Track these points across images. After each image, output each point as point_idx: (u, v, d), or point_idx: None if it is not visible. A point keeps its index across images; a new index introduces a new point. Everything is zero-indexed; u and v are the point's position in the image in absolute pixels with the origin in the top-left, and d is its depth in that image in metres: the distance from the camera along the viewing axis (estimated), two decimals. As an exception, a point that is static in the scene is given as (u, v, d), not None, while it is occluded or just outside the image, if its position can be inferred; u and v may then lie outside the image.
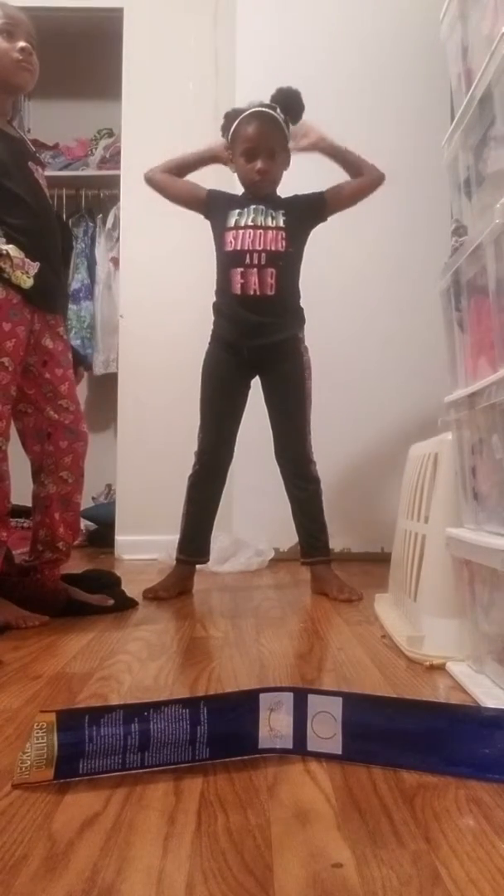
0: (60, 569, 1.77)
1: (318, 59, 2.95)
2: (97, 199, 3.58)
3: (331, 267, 2.98)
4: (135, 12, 3.11)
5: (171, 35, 3.10)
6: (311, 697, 0.85)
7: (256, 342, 2.05)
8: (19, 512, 2.25)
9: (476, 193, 1.23)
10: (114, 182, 3.17)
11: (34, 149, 1.74)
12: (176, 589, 2.02)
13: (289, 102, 2.07)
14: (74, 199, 3.60)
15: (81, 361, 1.84)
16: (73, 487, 1.72)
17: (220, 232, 2.08)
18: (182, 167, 2.10)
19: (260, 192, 2.08)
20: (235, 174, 2.12)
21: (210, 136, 2.19)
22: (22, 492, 1.75)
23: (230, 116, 2.10)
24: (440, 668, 1.23)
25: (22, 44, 1.61)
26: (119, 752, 0.79)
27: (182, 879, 0.59)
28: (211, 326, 2.13)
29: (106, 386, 3.43)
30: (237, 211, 2.07)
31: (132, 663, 1.28)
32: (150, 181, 2.11)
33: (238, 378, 2.12)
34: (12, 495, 1.62)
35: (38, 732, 0.79)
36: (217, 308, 2.12)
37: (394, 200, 2.98)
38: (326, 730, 0.84)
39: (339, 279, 2.98)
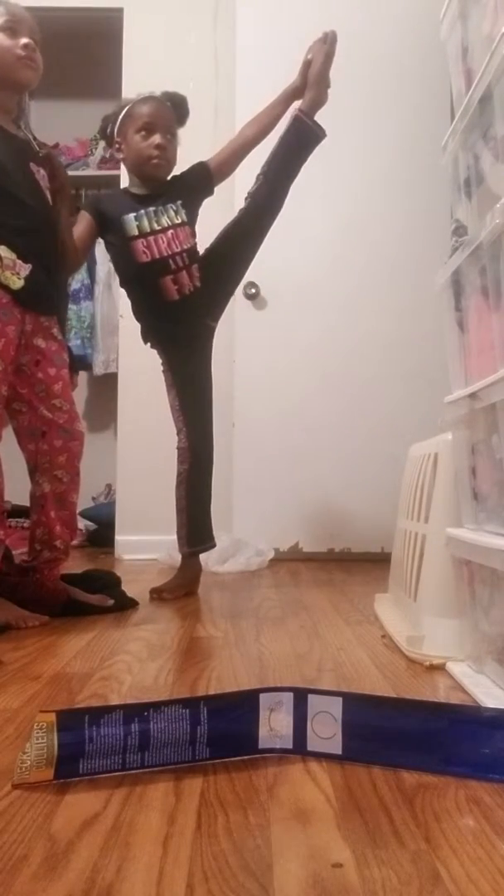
0: (60, 568, 1.77)
1: (318, 59, 2.95)
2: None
3: (331, 267, 2.99)
4: (135, 12, 3.12)
5: (171, 35, 3.11)
6: (311, 697, 0.85)
7: (204, 324, 2.07)
8: (19, 512, 2.25)
9: (476, 193, 1.23)
10: (114, 182, 3.16)
11: (38, 149, 1.73)
12: (182, 591, 2.02)
13: (175, 104, 2.03)
14: (74, 200, 3.59)
15: (77, 368, 1.82)
16: (68, 486, 1.72)
17: (123, 243, 1.96)
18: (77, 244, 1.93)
19: (155, 173, 1.99)
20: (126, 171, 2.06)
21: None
22: (25, 492, 1.75)
23: (109, 116, 2.03)
24: (440, 668, 1.23)
25: (25, 40, 1.60)
26: (119, 752, 0.79)
27: (182, 879, 0.59)
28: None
29: (106, 386, 3.43)
30: (132, 215, 1.96)
31: (132, 663, 1.28)
32: (77, 266, 2.09)
33: (206, 361, 2.11)
34: (16, 496, 1.62)
35: (38, 732, 0.79)
36: (151, 324, 2.06)
37: (394, 200, 2.99)
38: (326, 730, 0.84)
39: (341, 279, 2.98)
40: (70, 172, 3.50)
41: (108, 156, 3.54)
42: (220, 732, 0.83)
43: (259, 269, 2.26)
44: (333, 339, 2.95)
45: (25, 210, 1.62)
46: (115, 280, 3.38)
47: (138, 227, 1.96)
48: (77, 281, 3.52)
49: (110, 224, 1.99)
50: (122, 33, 3.10)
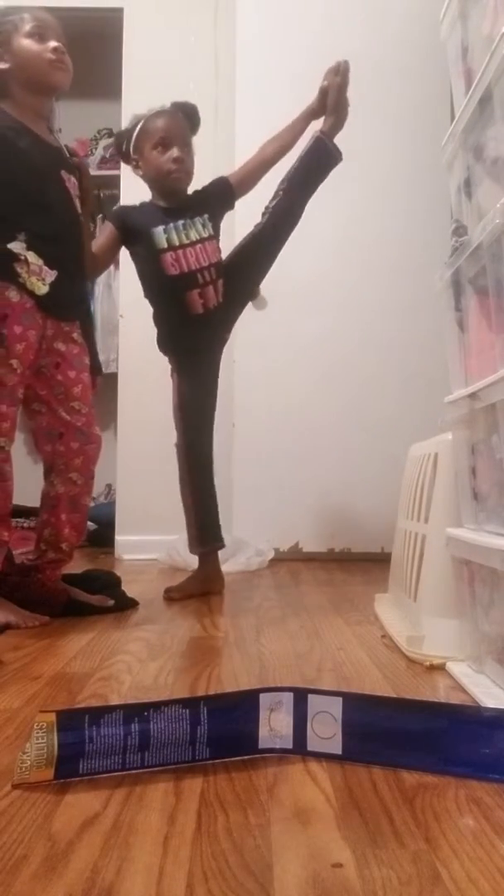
0: (62, 569, 1.77)
1: (317, 58, 2.95)
2: (97, 199, 3.58)
3: (331, 267, 2.99)
4: (135, 12, 3.11)
5: (171, 35, 3.11)
6: (311, 697, 0.85)
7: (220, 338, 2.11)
8: (20, 512, 2.25)
9: (476, 193, 1.23)
10: (114, 182, 3.17)
11: (69, 155, 1.74)
12: (192, 590, 2.00)
13: (187, 113, 2.04)
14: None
15: (98, 371, 1.85)
16: (81, 489, 1.72)
17: (151, 255, 1.98)
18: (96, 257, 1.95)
19: (175, 186, 2.00)
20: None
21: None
22: (24, 492, 1.75)
23: (123, 134, 2.05)
24: (440, 668, 1.23)
25: (54, 44, 1.62)
26: (119, 752, 0.79)
27: (182, 879, 0.59)
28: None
29: (106, 386, 3.42)
30: (161, 227, 1.97)
31: (132, 663, 1.28)
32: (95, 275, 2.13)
33: (216, 368, 2.13)
34: (22, 496, 1.62)
35: (38, 732, 0.79)
36: (171, 334, 2.06)
37: (394, 200, 2.99)
38: (326, 730, 0.84)
39: (340, 279, 2.98)
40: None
41: (107, 156, 3.54)
42: (220, 732, 0.83)
43: (259, 269, 2.26)
44: (333, 338, 2.95)
45: (54, 218, 1.63)
46: (115, 280, 3.38)
47: (167, 239, 1.97)
48: (77, 281, 3.52)
49: (137, 236, 1.99)
50: (122, 33, 3.10)
